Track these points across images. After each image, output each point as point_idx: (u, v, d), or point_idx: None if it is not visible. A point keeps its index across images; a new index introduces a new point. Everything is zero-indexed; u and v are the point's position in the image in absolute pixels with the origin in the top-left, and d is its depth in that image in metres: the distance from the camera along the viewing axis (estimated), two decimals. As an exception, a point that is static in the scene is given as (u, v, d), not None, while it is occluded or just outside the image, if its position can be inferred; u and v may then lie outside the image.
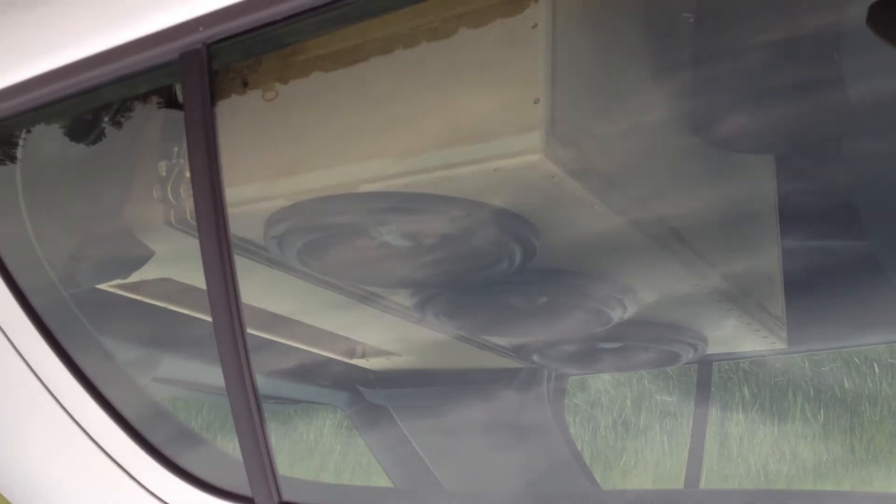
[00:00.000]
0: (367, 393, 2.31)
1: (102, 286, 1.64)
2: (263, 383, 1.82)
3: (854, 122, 1.54)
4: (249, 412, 1.26)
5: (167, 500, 1.40)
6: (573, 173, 1.32)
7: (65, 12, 1.27)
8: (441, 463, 2.22)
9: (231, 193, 1.28)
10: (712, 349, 2.05)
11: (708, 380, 2.40)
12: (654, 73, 1.52)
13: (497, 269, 1.59)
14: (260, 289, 1.72)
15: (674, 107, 1.56)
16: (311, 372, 2.15)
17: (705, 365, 2.36)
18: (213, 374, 1.35)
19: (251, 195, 1.44)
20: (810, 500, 1.22)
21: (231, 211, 1.26)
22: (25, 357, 1.47)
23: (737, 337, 1.92)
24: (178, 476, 1.40)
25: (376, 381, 2.21)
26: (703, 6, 1.55)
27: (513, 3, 1.27)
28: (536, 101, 1.27)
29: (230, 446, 1.37)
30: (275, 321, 1.83)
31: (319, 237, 1.57)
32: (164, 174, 1.53)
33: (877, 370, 2.68)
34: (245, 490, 1.33)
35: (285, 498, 1.31)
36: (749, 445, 2.64)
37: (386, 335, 1.99)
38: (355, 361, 2.13)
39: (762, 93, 1.54)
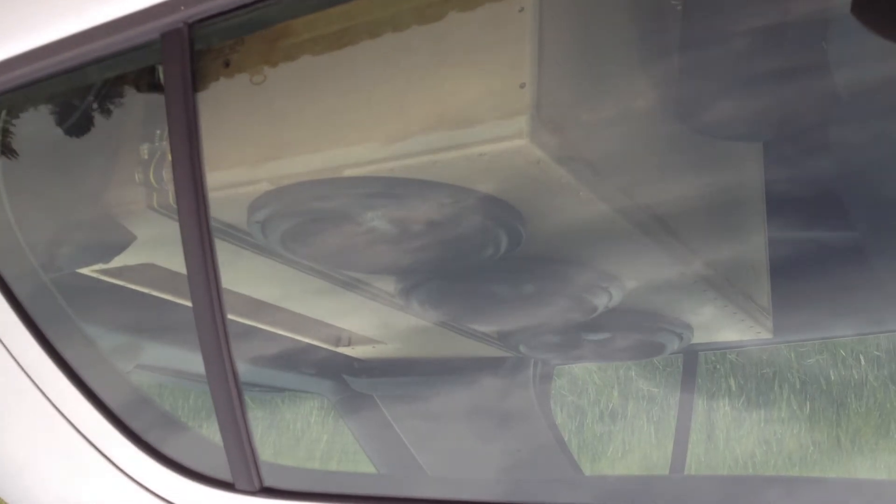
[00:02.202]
0: (352, 381, 2.30)
1: (83, 271, 1.62)
2: (248, 371, 1.82)
3: (841, 111, 1.54)
4: (230, 397, 1.25)
5: (148, 486, 1.39)
6: (559, 159, 1.31)
7: None
8: (426, 451, 2.21)
9: (213, 177, 1.27)
10: (698, 339, 2.05)
11: (693, 370, 2.41)
12: (640, 59, 1.51)
13: (482, 255, 1.58)
14: (244, 275, 1.71)
15: (661, 94, 1.55)
16: (296, 360, 2.14)
17: (691, 355, 2.36)
18: (194, 361, 1.34)
19: (234, 179, 1.43)
20: (792, 486, 1.22)
21: (214, 195, 1.25)
22: (5, 343, 1.45)
23: (722, 326, 1.92)
24: (159, 461, 1.39)
25: (361, 370, 2.20)
26: None
27: None
28: (522, 86, 1.26)
29: (211, 432, 1.36)
30: (259, 308, 1.82)
31: (303, 222, 1.56)
32: (147, 157, 1.52)
33: (863, 362, 2.69)
34: (226, 475, 1.32)
35: (266, 483, 1.30)
36: (735, 437, 2.65)
37: (371, 323, 1.98)
38: (340, 349, 2.12)
39: (749, 80, 1.53)
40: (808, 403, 2.76)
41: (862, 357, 2.71)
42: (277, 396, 2.52)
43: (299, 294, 1.83)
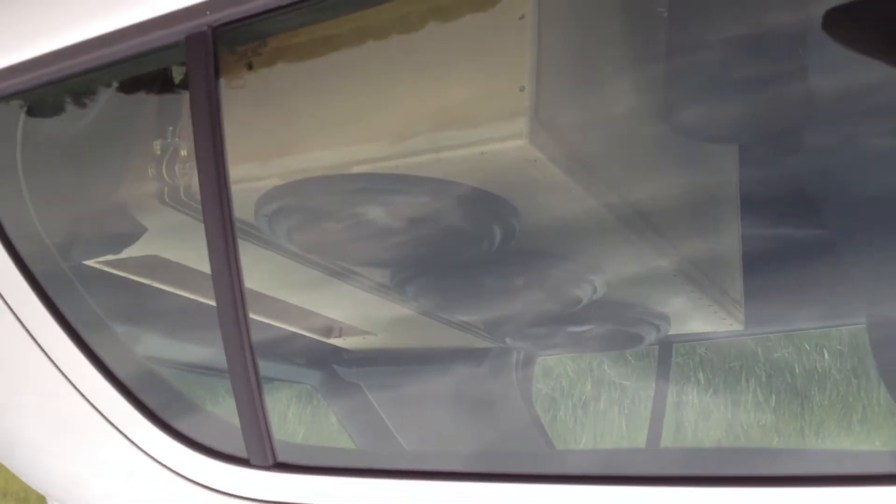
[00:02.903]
0: (342, 371, 2.36)
1: (97, 262, 1.69)
2: (272, 362, 1.89)
3: (814, 115, 1.63)
4: (248, 377, 1.33)
5: (167, 464, 1.47)
6: (554, 158, 1.40)
7: None
8: (412, 440, 2.28)
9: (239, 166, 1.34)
10: (673, 330, 2.14)
11: (668, 361, 2.49)
12: (631, 64, 1.60)
13: (478, 249, 1.66)
14: (247, 267, 1.78)
15: (648, 98, 1.64)
16: (288, 350, 2.19)
17: (666, 346, 2.44)
18: (210, 347, 1.41)
19: (245, 174, 1.50)
20: (763, 457, 1.31)
21: (240, 187, 1.33)
22: (28, 328, 1.52)
23: (697, 318, 2.01)
24: (177, 440, 1.46)
25: (351, 361, 2.26)
26: (675, 1, 1.63)
27: None
28: (522, 89, 1.35)
29: (225, 413, 1.43)
30: (256, 298, 1.89)
31: (310, 216, 1.63)
32: (160, 153, 1.59)
33: (826, 357, 2.79)
34: (242, 452, 1.39)
35: (280, 459, 1.38)
36: (704, 429, 2.74)
37: (364, 315, 2.05)
38: (332, 341, 2.18)
39: (728, 85, 1.62)
40: (773, 396, 2.85)
41: (826, 352, 2.80)
42: (266, 386, 2.56)
43: (299, 286, 1.90)
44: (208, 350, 1.56)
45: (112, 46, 1.29)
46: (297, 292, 1.94)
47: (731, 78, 1.60)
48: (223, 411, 1.46)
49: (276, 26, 1.32)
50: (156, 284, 1.79)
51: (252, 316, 1.93)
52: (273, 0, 1.19)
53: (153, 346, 1.80)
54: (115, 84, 1.52)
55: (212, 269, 1.31)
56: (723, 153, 1.88)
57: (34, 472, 1.76)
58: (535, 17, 1.36)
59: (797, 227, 1.93)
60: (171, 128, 1.58)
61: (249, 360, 1.33)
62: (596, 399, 2.90)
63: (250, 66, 1.38)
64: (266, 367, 2.32)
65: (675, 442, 2.65)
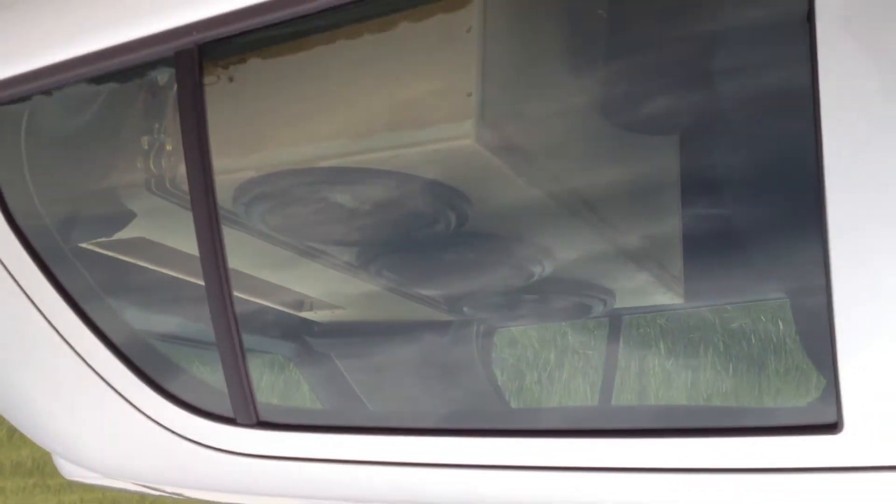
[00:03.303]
0: (313, 342, 2.52)
1: (90, 244, 1.87)
2: (254, 332, 2.06)
3: (741, 108, 1.80)
4: (233, 346, 1.52)
5: (164, 424, 1.66)
6: (499, 154, 1.59)
7: (81, 12, 1.49)
8: (378, 403, 2.45)
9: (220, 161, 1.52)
10: (620, 303, 2.32)
11: (618, 329, 2.66)
12: (571, 65, 1.77)
13: (434, 231, 1.85)
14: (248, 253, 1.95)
15: (589, 95, 1.79)
16: (264, 323, 2.36)
17: (616, 317, 2.62)
18: (196, 317, 1.60)
19: (225, 167, 1.68)
20: (712, 415, 1.50)
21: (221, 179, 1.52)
22: (30, 295, 1.69)
23: (640, 292, 2.19)
24: (171, 402, 1.66)
25: (321, 333, 2.43)
26: (613, 4, 1.80)
27: (450, 10, 1.52)
28: (469, 94, 1.53)
29: (213, 379, 1.63)
30: (235, 276, 2.06)
31: (282, 203, 1.82)
32: (147, 147, 1.76)
33: (781, 327, 2.96)
34: (229, 412, 1.59)
35: (262, 418, 1.58)
36: (664, 397, 2.89)
37: (332, 290, 2.22)
38: (303, 314, 2.35)
39: (663, 80, 1.79)
40: (731, 365, 3.01)
41: (780, 322, 2.96)
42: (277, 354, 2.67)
43: (273, 266, 2.07)
44: (198, 323, 1.73)
45: (109, 60, 1.46)
46: (271, 271, 2.11)
47: (665, 73, 1.77)
48: (212, 378, 1.65)
49: (253, 43, 1.50)
50: (142, 264, 1.97)
51: (259, 293, 2.10)
52: (251, 23, 1.37)
53: (149, 321, 1.97)
54: (109, 87, 1.69)
55: (200, 252, 1.50)
56: (662, 142, 2.05)
57: (39, 430, 1.95)
58: (481, 30, 1.54)
59: (730, 209, 2.10)
60: (156, 125, 1.75)
61: (234, 332, 1.52)
62: (560, 366, 3.04)
63: (231, 79, 1.56)
64: (245, 339, 2.49)
65: (624, 400, 2.82)
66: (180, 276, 1.90)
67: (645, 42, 1.72)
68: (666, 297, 2.20)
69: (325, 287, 2.20)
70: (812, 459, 1.24)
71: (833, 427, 1.21)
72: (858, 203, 1.16)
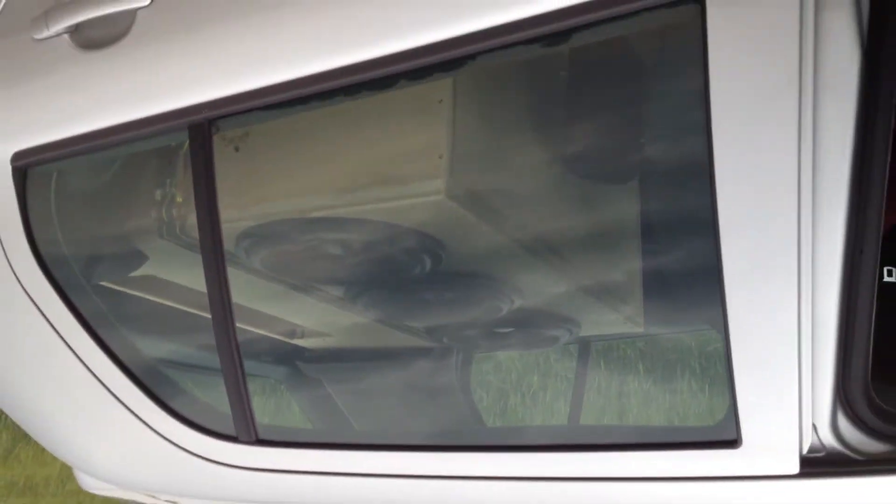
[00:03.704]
0: (304, 367, 2.76)
1: (107, 282, 2.12)
2: (254, 360, 2.29)
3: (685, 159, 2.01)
4: (236, 374, 1.77)
5: (174, 441, 1.91)
6: (467, 206, 1.85)
7: (109, 91, 1.74)
8: (364, 422, 2.67)
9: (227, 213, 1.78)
10: (586, 332, 2.55)
11: (587, 356, 2.86)
12: (530, 127, 2.00)
13: (412, 272, 2.10)
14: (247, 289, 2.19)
15: (547, 152, 1.99)
16: (258, 350, 2.53)
17: (584, 343, 2.82)
18: (203, 347, 1.84)
19: (228, 217, 1.94)
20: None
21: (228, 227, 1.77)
22: (64, 337, 1.94)
23: (604, 323, 2.41)
24: (182, 423, 1.90)
25: (311, 358, 2.66)
26: (574, 71, 2.03)
27: (425, 85, 1.77)
28: (441, 156, 1.79)
29: (218, 403, 1.87)
30: (235, 309, 2.30)
31: (277, 247, 2.07)
32: (159, 199, 2.02)
33: (698, 356, 3.09)
34: (231, 431, 1.84)
35: (261, 436, 1.83)
36: (603, 418, 3.07)
37: (321, 320, 2.46)
38: (294, 341, 2.59)
39: (616, 134, 2.01)
40: (706, 387, 3.16)
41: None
42: (275, 380, 2.87)
43: (268, 299, 2.32)
44: (203, 351, 1.97)
45: (132, 131, 1.72)
46: (266, 303, 2.36)
47: (619, 128, 1.98)
48: (217, 402, 1.90)
49: (255, 117, 1.75)
50: (152, 298, 2.21)
51: (258, 325, 2.32)
52: (254, 103, 1.63)
53: (160, 349, 2.22)
54: (128, 149, 1.94)
55: (207, 289, 1.75)
56: (621, 190, 2.26)
57: (61, 446, 2.19)
58: (451, 101, 1.80)
59: (681, 249, 2.32)
60: (168, 180, 2.01)
61: (237, 359, 1.78)
62: (543, 388, 3.18)
63: (237, 149, 1.81)
64: (271, 363, 2.69)
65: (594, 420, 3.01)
66: (185, 308, 2.15)
67: (597, 102, 1.91)
68: (626, 327, 2.40)
69: (314, 318, 2.44)
70: (718, 469, 1.50)
71: (734, 443, 1.47)
72: (751, 253, 1.39)
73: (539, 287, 2.23)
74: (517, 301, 2.23)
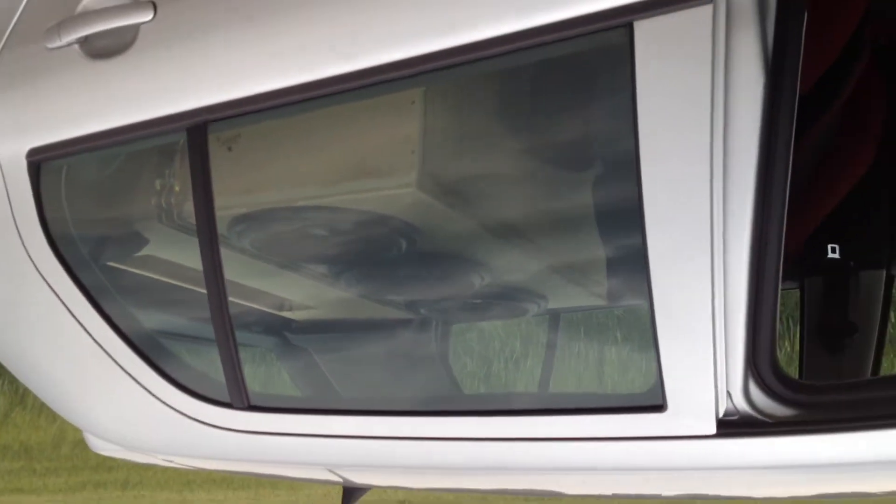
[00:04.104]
0: (291, 337, 2.97)
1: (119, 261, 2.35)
2: (246, 332, 2.50)
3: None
4: (228, 344, 1.99)
5: (175, 406, 2.14)
6: (435, 196, 2.06)
7: (114, 96, 1.94)
8: (348, 388, 2.88)
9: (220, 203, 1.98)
10: (553, 304, 2.75)
11: (556, 325, 3.03)
12: (492, 125, 2.16)
13: (390, 252, 2.32)
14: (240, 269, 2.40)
15: (506, 147, 2.15)
16: (251, 322, 2.68)
17: (554, 315, 3.00)
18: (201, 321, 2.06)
19: (222, 205, 2.14)
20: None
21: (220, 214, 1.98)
22: (73, 312, 2.16)
23: (568, 296, 2.62)
24: (181, 390, 2.13)
25: (298, 329, 2.87)
26: (527, 83, 2.17)
27: (399, 90, 1.96)
28: (413, 152, 2.00)
29: (214, 372, 2.10)
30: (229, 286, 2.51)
31: (268, 231, 2.29)
32: (159, 189, 2.23)
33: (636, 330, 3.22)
34: (226, 398, 2.07)
35: (252, 403, 2.06)
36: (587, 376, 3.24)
37: (308, 295, 2.67)
38: (283, 313, 2.81)
39: (565, 135, 2.12)
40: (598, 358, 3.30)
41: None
42: (266, 351, 3.05)
43: (258, 276, 2.53)
44: (199, 324, 2.18)
45: (134, 133, 1.92)
46: (256, 280, 2.57)
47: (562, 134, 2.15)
48: (214, 372, 2.12)
49: (246, 122, 1.95)
50: (151, 276, 2.43)
51: (250, 300, 2.53)
52: (247, 108, 1.84)
53: (164, 324, 2.44)
54: (132, 146, 2.13)
55: (203, 267, 1.95)
56: (577, 178, 2.45)
57: (73, 411, 2.43)
58: (422, 103, 2.00)
59: (616, 236, 2.42)
60: (166, 171, 2.22)
61: (230, 333, 2.00)
62: (524, 356, 3.34)
63: (230, 148, 2.02)
64: (262, 335, 2.89)
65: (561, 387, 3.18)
66: (183, 285, 2.36)
67: (547, 108, 2.08)
68: (591, 300, 2.59)
69: (301, 293, 2.66)
70: (648, 430, 1.73)
71: (660, 407, 1.70)
72: (675, 237, 1.61)
73: (503, 264, 2.41)
74: (485, 276, 2.44)
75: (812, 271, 3.03)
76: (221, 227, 2.18)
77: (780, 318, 4.16)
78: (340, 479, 2.58)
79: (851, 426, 1.63)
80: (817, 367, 2.93)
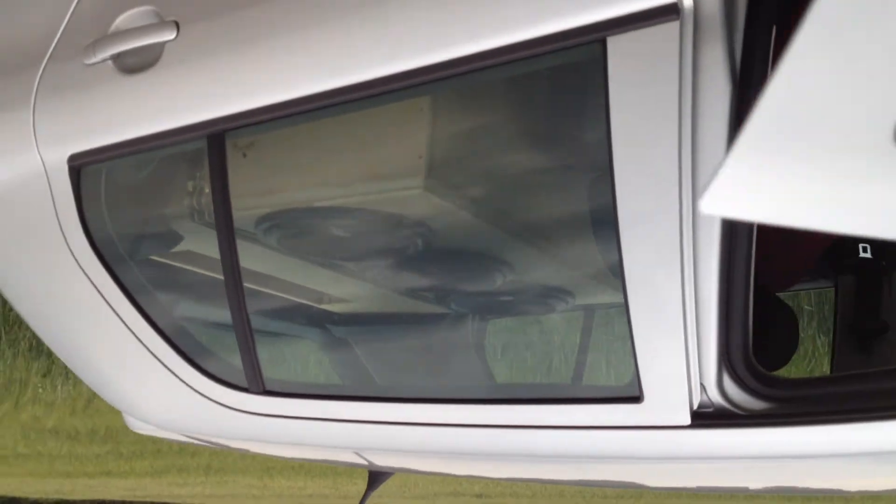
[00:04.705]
0: (332, 329, 3.12)
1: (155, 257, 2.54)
2: (265, 322, 2.67)
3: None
4: (246, 335, 2.16)
5: (199, 389, 2.32)
6: (443, 197, 2.19)
7: (143, 107, 2.11)
8: (385, 377, 3.01)
9: (237, 203, 2.15)
10: (579, 301, 2.81)
11: (591, 321, 3.10)
12: (493, 130, 2.22)
13: (407, 250, 2.46)
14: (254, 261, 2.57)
15: (505, 151, 2.25)
16: (295, 314, 2.83)
17: (588, 310, 3.05)
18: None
19: (247, 206, 2.31)
20: None
21: (239, 214, 2.15)
22: (112, 305, 2.36)
23: (585, 293, 2.68)
24: (205, 375, 2.31)
25: (339, 320, 3.01)
26: (517, 93, 2.14)
27: (408, 98, 2.07)
28: (420, 157, 2.13)
29: (235, 360, 2.26)
30: (274, 282, 2.66)
31: (292, 229, 2.45)
32: (191, 190, 2.40)
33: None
34: (244, 383, 2.24)
35: (268, 388, 2.23)
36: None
37: (344, 289, 2.78)
38: (323, 306, 2.96)
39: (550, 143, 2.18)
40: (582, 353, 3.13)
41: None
42: (284, 339, 3.21)
43: (299, 272, 2.68)
44: (225, 315, 2.34)
45: (161, 140, 2.09)
46: (279, 274, 2.71)
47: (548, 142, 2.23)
48: (234, 359, 2.29)
49: (260, 130, 2.09)
50: (181, 269, 2.59)
51: (273, 292, 2.69)
52: (263, 117, 1.98)
53: (192, 315, 2.63)
54: (165, 151, 2.30)
55: (221, 260, 2.13)
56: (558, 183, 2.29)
57: (112, 393, 2.64)
58: (430, 111, 2.12)
59: (592, 239, 2.31)
60: (197, 174, 2.39)
61: (247, 325, 2.16)
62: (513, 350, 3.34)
63: (244, 155, 2.18)
64: (282, 326, 3.05)
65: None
66: (207, 277, 2.51)
67: (536, 117, 2.18)
68: (606, 297, 2.66)
69: (337, 287, 2.78)
70: (627, 420, 1.84)
71: (638, 398, 1.81)
72: (646, 238, 1.71)
73: (526, 261, 2.52)
74: (508, 273, 2.54)
75: (844, 270, 3.08)
76: (248, 225, 2.36)
77: (813, 316, 4.20)
78: (366, 462, 2.74)
79: (823, 420, 1.71)
80: (847, 364, 2.97)
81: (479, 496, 8.65)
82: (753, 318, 2.68)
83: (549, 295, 2.49)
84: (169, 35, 2.06)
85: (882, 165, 0.88)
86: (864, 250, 3.08)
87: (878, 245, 3.04)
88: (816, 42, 0.81)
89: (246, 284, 2.25)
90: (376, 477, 2.92)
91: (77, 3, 2.29)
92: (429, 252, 2.45)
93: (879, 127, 0.85)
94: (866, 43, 0.80)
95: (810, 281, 3.52)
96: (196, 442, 2.76)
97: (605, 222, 1.76)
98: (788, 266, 2.90)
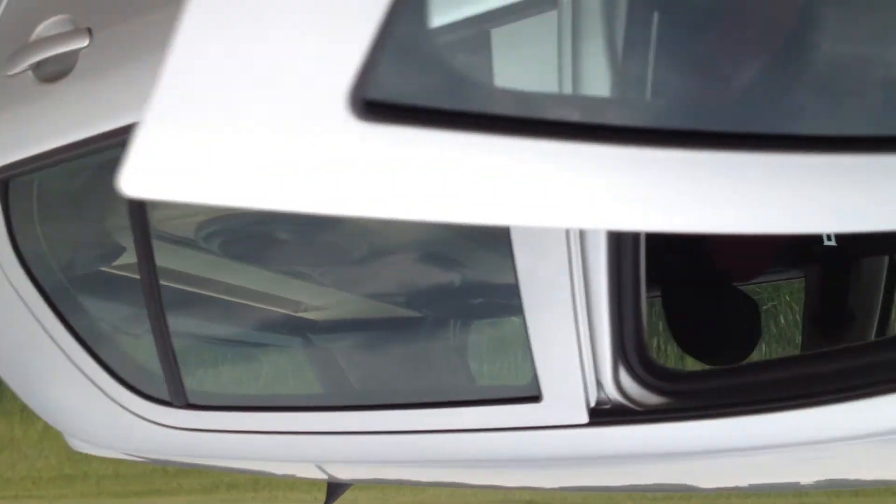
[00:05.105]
0: (311, 336, 2.98)
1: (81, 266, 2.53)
2: (239, 332, 2.69)
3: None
4: (166, 349, 2.15)
5: (122, 404, 2.31)
6: None
7: (62, 116, 2.08)
8: (365, 382, 2.96)
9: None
10: (442, 311, 2.55)
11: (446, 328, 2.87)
12: None
13: (352, 255, 2.43)
14: (200, 270, 2.56)
15: None
16: (271, 323, 2.84)
17: (443, 319, 2.81)
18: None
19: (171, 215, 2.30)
20: None
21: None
22: (36, 315, 2.35)
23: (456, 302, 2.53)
24: (128, 389, 2.30)
25: (316, 328, 2.84)
26: None
27: None
28: None
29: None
30: (242, 291, 2.64)
31: (232, 235, 2.44)
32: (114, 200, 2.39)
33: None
34: (166, 397, 2.23)
35: (190, 401, 2.21)
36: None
37: (320, 297, 2.73)
38: (299, 314, 2.84)
39: None
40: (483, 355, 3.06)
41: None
42: (260, 350, 3.17)
43: (267, 282, 2.64)
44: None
45: (84, 148, 2.03)
46: (269, 285, 2.68)
47: None
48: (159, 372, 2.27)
49: None
50: (115, 275, 2.49)
51: (244, 302, 2.68)
52: None
53: (121, 324, 2.62)
54: (96, 159, 2.25)
55: (139, 267, 2.12)
56: None
57: (48, 413, 2.64)
58: None
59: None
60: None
61: (167, 338, 2.15)
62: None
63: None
64: (257, 336, 3.03)
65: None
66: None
67: None
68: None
69: (313, 296, 2.73)
70: (527, 420, 1.79)
71: (537, 398, 1.76)
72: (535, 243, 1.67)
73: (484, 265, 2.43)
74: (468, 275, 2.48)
75: (811, 260, 3.01)
76: (189, 233, 2.36)
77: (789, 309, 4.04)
78: (326, 476, 2.71)
79: (719, 413, 1.65)
80: None
81: (529, 502, 8.54)
82: (710, 310, 2.66)
83: (450, 297, 2.46)
84: (82, 42, 2.06)
85: (340, 133, 0.85)
86: (828, 238, 3.01)
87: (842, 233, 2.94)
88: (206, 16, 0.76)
89: (173, 289, 2.27)
90: (335, 489, 2.89)
91: (2, 13, 2.31)
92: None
93: (326, 95, 0.82)
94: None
95: (782, 272, 3.44)
96: (135, 459, 2.75)
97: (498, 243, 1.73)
98: (750, 254, 2.83)
